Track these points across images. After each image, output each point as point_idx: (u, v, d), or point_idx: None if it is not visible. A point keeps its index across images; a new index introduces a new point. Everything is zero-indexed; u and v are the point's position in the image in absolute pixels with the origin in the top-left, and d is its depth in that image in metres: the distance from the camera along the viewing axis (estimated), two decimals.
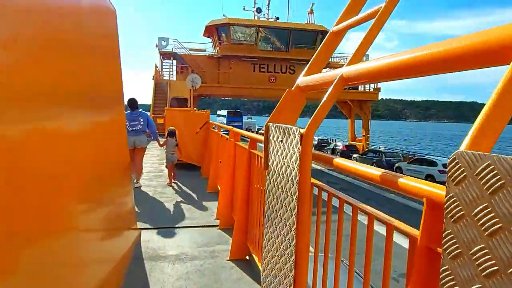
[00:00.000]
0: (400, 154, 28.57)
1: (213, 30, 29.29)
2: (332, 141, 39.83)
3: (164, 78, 27.69)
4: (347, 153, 31.05)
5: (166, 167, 7.93)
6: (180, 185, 7.36)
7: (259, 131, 59.45)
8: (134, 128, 7.11)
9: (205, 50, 30.05)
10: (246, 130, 52.67)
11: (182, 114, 9.02)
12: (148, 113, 22.82)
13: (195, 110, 9.11)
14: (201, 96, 29.45)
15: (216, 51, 29.65)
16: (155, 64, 26.65)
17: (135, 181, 7.14)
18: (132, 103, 7.29)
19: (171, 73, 28.32)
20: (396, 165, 24.56)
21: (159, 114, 19.52)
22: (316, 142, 37.46)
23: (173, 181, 7.55)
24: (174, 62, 28.54)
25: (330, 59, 28.85)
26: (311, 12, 30.96)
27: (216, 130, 6.80)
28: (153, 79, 25.60)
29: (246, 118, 59.34)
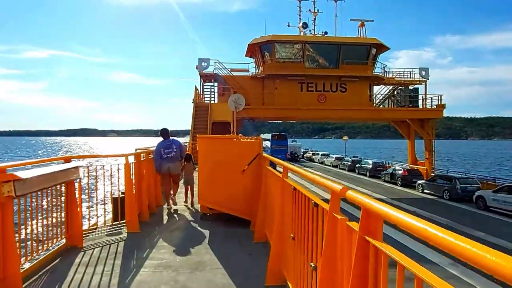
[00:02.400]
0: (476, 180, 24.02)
1: (256, 49, 27.33)
2: (388, 164, 35.67)
3: (205, 101, 25.92)
4: (409, 178, 27.03)
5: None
6: (216, 259, 4.69)
7: (304, 155, 56.49)
8: (168, 155, 7.66)
9: (248, 70, 28.08)
10: (291, 154, 49.95)
11: (221, 144, 6.49)
12: (186, 139, 21.07)
13: (240, 137, 6.56)
14: (244, 119, 27.27)
15: (259, 70, 27.57)
16: (195, 86, 24.99)
17: (171, 204, 8.01)
18: (164, 133, 7.86)
19: (212, 96, 26.54)
20: (477, 194, 20.24)
21: None
22: (370, 167, 33.71)
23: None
24: (216, 84, 26.79)
25: (385, 74, 25.49)
26: (362, 25, 28.10)
27: (278, 174, 4.11)
28: (193, 102, 23.84)
29: (291, 141, 56.67)
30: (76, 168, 5.22)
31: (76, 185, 5.42)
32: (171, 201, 8.02)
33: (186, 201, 8.48)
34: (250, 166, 6.06)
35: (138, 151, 8.13)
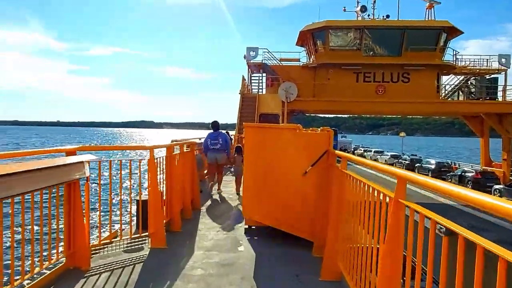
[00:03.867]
0: None
1: (308, 36, 25.29)
2: (455, 164, 31.86)
3: (253, 92, 24.48)
4: (482, 182, 23.53)
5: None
6: None
7: (355, 152, 53.20)
8: (214, 147, 8.24)
9: (298, 60, 26.12)
10: (341, 150, 47.76)
11: (276, 136, 4.83)
12: (234, 132, 19.78)
13: (300, 128, 4.86)
14: (293, 112, 25.41)
15: (311, 60, 25.51)
16: (242, 76, 23.57)
17: (216, 188, 8.80)
18: (214, 125, 8.52)
19: (260, 86, 25.02)
20: None
21: None
22: (433, 167, 30.27)
23: None
24: (264, 74, 25.20)
25: (457, 62, 22.23)
26: (431, 6, 24.86)
27: (381, 189, 2.40)
28: (240, 93, 22.47)
29: (340, 136, 53.72)
30: (80, 163, 3.87)
31: (83, 186, 4.08)
32: (215, 188, 8.73)
33: (237, 190, 8.87)
34: (314, 167, 4.35)
35: (173, 142, 6.78)
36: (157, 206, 4.71)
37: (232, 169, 9.33)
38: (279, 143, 4.67)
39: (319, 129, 4.80)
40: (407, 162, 35.57)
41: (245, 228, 5.35)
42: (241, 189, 8.73)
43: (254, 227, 5.28)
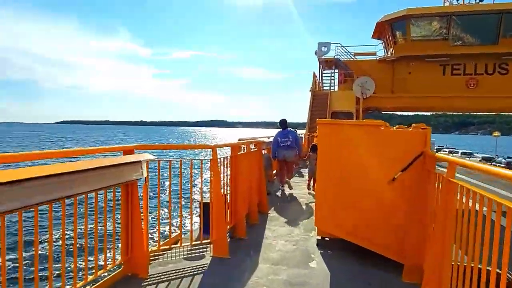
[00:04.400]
0: None
1: (386, 28, 23.33)
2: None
3: (324, 89, 23.40)
4: None
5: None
6: None
7: (438, 152, 48.36)
8: (284, 144, 8.34)
9: (374, 54, 24.33)
10: None
11: (356, 133, 4.06)
12: (304, 131, 19.05)
13: (386, 125, 4.02)
14: (368, 110, 23.71)
15: (389, 53, 23.52)
16: (313, 73, 22.62)
17: (285, 186, 8.74)
18: (283, 123, 8.52)
19: (332, 83, 23.80)
20: None
21: (316, 131, 15.03)
22: (503, 165, 26.48)
23: None
24: (336, 70, 23.92)
25: None
26: None
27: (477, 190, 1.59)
28: (310, 91, 21.59)
29: None
30: (138, 163, 3.57)
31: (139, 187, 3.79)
32: (286, 185, 8.70)
33: (309, 188, 8.86)
34: (405, 173, 3.51)
35: (239, 141, 6.36)
36: (220, 210, 4.27)
37: (306, 169, 9.41)
38: (360, 142, 3.91)
39: (408, 127, 3.92)
40: (502, 165, 31.24)
41: (318, 239, 4.67)
42: (313, 186, 8.68)
43: (328, 238, 4.58)
